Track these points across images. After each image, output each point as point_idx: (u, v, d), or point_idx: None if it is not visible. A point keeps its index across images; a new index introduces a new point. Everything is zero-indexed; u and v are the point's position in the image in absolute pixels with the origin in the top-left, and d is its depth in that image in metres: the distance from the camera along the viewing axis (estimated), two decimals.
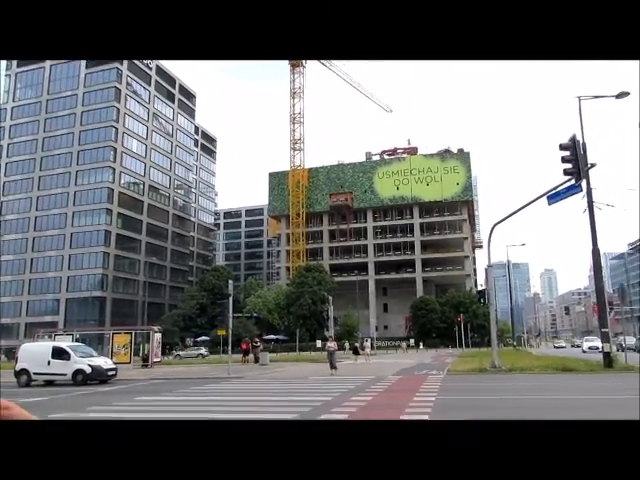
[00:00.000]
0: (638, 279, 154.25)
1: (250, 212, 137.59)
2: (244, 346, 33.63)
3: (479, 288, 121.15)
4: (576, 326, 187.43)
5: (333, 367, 22.24)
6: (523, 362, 21.76)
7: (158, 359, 32.08)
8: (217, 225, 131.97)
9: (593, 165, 15.71)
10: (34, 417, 1.25)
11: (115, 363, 24.37)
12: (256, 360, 31.03)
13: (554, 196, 16.60)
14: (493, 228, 19.08)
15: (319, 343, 61.17)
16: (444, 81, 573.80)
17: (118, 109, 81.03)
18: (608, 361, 19.56)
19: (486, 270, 20.45)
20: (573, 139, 15.25)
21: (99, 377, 21.20)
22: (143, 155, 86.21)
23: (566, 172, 15.32)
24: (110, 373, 21.79)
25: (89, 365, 20.97)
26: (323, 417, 9.46)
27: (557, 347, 75.81)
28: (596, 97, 20.65)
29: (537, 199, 17.49)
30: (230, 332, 20.87)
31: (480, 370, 19.31)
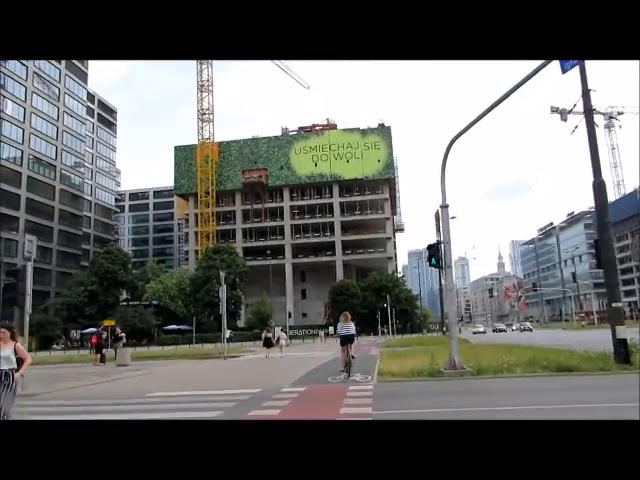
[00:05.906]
0: (548, 264, 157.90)
1: (159, 194, 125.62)
2: (94, 340, 25.14)
3: (400, 273, 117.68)
4: (490, 311, 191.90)
5: None
6: (488, 357, 14.22)
7: None
8: (122, 207, 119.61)
9: None
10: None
11: None
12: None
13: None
14: (452, 143, 12.31)
15: (228, 333, 53.96)
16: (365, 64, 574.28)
17: None
18: (625, 354, 12.18)
19: (438, 212, 13.84)
20: None
21: None
22: (21, 120, 73.46)
23: None
24: None
25: None
26: None
27: (475, 332, 71.23)
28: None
29: (536, 72, 10.71)
30: (27, 320, 12.93)
31: (430, 373, 12.14)
